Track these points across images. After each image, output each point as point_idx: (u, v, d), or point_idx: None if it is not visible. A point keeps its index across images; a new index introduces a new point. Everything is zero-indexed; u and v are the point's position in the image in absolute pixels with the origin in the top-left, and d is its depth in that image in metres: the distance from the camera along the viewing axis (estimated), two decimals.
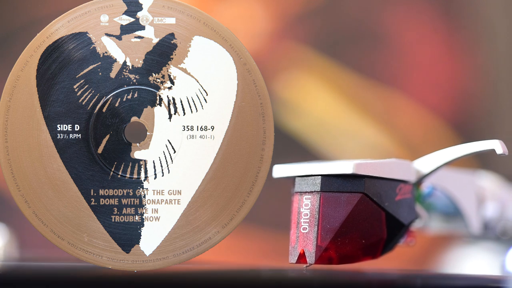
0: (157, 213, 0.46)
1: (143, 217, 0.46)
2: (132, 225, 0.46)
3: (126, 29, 0.46)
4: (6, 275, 0.49)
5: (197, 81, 0.46)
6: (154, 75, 0.46)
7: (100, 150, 0.46)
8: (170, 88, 0.46)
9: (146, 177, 0.46)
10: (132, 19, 0.46)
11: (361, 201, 0.48)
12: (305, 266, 0.48)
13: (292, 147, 1.04)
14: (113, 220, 0.46)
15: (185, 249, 0.47)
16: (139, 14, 0.46)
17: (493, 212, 0.63)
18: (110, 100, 0.46)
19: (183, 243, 0.47)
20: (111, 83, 0.46)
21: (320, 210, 0.48)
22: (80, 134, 0.46)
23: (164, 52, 0.46)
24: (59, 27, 0.46)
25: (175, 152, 0.47)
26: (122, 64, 0.46)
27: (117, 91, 0.46)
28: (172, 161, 0.46)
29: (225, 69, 0.47)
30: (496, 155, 0.49)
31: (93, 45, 0.46)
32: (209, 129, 0.47)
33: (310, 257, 0.47)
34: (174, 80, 0.46)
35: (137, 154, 0.47)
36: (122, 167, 0.46)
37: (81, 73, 0.46)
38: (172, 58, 0.46)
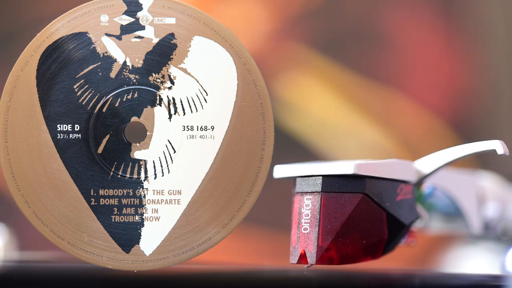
0: (157, 213, 0.46)
1: (143, 217, 0.46)
2: (132, 225, 0.46)
3: (126, 29, 0.46)
4: (6, 275, 0.49)
5: (197, 81, 0.46)
6: (154, 75, 0.46)
7: (100, 150, 0.46)
8: (170, 88, 0.46)
9: (146, 177, 0.46)
10: (132, 19, 0.46)
11: (362, 202, 0.48)
12: (306, 266, 0.48)
13: (292, 147, 1.04)
14: (113, 220, 0.46)
15: (185, 249, 0.46)
16: (139, 14, 0.46)
17: (493, 212, 0.63)
18: (110, 100, 0.46)
19: (183, 243, 0.46)
20: (111, 83, 0.46)
21: (321, 211, 0.47)
22: (80, 134, 0.46)
23: (164, 52, 0.46)
24: (59, 27, 0.46)
25: (175, 152, 0.46)
26: (122, 64, 0.46)
27: (117, 91, 0.46)
28: (172, 161, 0.46)
29: (225, 69, 0.46)
30: (497, 155, 0.49)
31: (93, 45, 0.46)
32: (209, 129, 0.47)
33: (311, 258, 0.47)
34: (174, 80, 0.46)
35: (137, 154, 0.47)
36: (122, 167, 0.46)
37: (81, 73, 0.46)
38: (172, 58, 0.46)
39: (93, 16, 0.46)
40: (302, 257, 0.47)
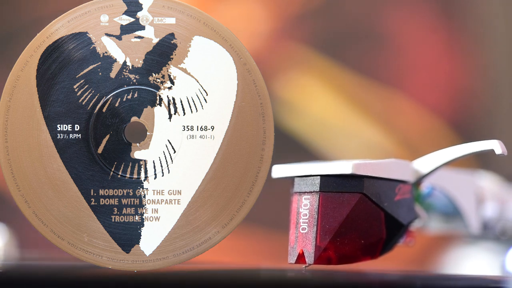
0: (157, 213, 0.46)
1: (143, 217, 0.46)
2: (132, 225, 0.46)
3: (126, 29, 0.46)
4: (6, 275, 0.49)
5: (197, 81, 0.47)
6: (154, 75, 0.46)
7: (100, 150, 0.46)
8: (170, 88, 0.47)
9: (146, 177, 0.47)
10: (132, 19, 0.46)
11: (360, 201, 0.48)
12: (304, 266, 0.48)
13: (292, 147, 1.04)
14: (113, 220, 0.46)
15: (185, 249, 0.47)
16: (139, 14, 0.46)
17: (492, 212, 0.63)
18: (110, 100, 0.46)
19: (183, 243, 0.47)
20: (111, 83, 0.46)
21: (319, 210, 0.48)
22: (80, 134, 0.46)
23: (164, 52, 0.47)
24: (59, 27, 0.46)
25: (175, 152, 0.47)
26: (122, 64, 0.46)
27: (117, 91, 0.46)
28: (172, 161, 0.47)
29: (225, 69, 0.47)
30: (496, 155, 0.49)
31: (93, 45, 0.46)
32: (209, 129, 0.47)
33: (309, 257, 0.47)
34: (174, 80, 0.46)
35: (137, 154, 0.47)
36: (122, 167, 0.46)
37: (81, 73, 0.46)
38: (172, 58, 0.46)
39: (93, 16, 0.46)
40: (300, 257, 0.48)
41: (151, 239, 0.46)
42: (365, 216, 0.48)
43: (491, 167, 0.79)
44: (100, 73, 0.46)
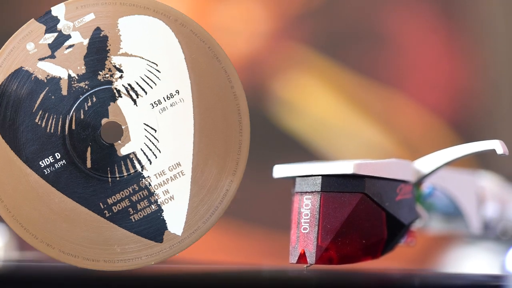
0: (168, 193, 0.46)
1: (158, 203, 0.46)
2: (153, 215, 0.46)
3: (55, 45, 0.46)
4: (6, 275, 0.49)
5: (142, 58, 0.47)
6: (101, 73, 0.46)
7: (88, 164, 0.46)
8: (121, 77, 0.47)
9: (142, 167, 0.47)
10: (55, 34, 0.46)
11: (362, 201, 0.48)
12: (305, 266, 0.48)
13: (292, 147, 1.04)
14: (133, 220, 0.46)
15: (210, 212, 0.46)
16: (59, 26, 0.46)
17: (493, 212, 0.63)
18: (73, 115, 0.46)
19: (206, 207, 0.46)
20: (67, 100, 0.46)
21: (320, 210, 0.48)
22: (64, 160, 0.46)
23: (99, 48, 0.46)
24: None
25: (156, 131, 0.47)
26: (67, 78, 0.46)
27: (76, 105, 0.46)
28: (157, 140, 0.47)
29: (160, 33, 0.47)
30: (497, 155, 0.49)
31: (33, 75, 0.46)
32: (175, 94, 0.47)
33: (311, 257, 0.47)
34: (121, 68, 0.46)
35: (123, 150, 0.47)
36: (116, 169, 0.46)
37: (36, 105, 0.46)
38: (109, 50, 0.47)
39: (19, 49, 0.46)
40: (302, 257, 0.47)
41: (175, 219, 0.46)
42: (367, 216, 0.48)
43: (492, 167, 0.79)
44: (52, 97, 0.46)
